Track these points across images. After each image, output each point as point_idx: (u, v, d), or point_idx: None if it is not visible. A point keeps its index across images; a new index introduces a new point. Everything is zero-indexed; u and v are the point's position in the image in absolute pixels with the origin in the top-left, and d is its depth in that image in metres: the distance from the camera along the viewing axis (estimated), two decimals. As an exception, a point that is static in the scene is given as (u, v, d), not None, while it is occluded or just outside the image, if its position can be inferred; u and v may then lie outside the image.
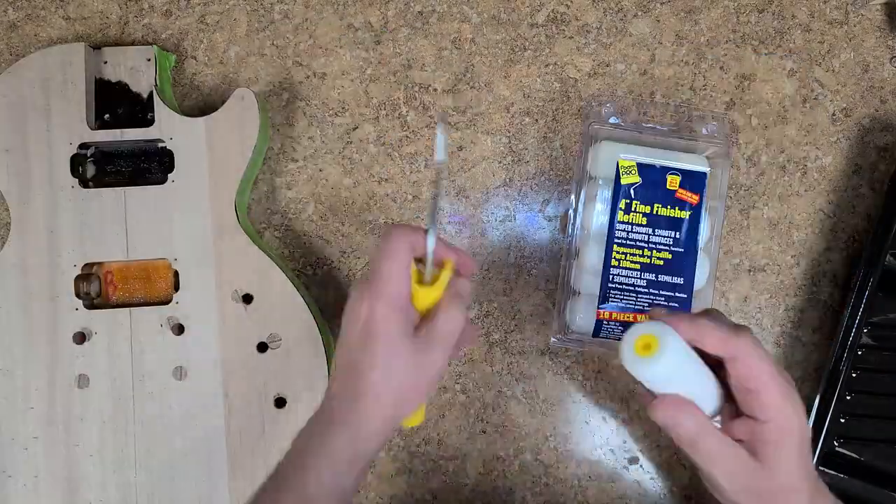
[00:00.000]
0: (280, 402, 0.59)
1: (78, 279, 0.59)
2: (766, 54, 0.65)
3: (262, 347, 0.59)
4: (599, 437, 0.63)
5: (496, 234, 0.64)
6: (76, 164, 0.60)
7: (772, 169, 0.65)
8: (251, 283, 0.59)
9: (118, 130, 0.60)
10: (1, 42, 0.65)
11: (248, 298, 0.59)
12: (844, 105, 0.65)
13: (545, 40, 0.65)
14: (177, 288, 0.59)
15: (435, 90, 0.65)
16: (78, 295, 0.59)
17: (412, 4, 0.65)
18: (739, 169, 0.64)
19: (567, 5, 0.65)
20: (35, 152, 0.59)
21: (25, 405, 0.58)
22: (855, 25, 0.65)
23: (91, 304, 0.60)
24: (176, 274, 0.59)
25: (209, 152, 0.60)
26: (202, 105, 0.65)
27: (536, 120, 0.64)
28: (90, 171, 0.61)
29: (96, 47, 0.61)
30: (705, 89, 0.65)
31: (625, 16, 0.65)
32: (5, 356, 0.58)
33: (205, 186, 0.60)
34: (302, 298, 0.59)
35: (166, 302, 0.59)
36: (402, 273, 0.42)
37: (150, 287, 0.61)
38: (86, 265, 0.59)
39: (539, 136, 0.64)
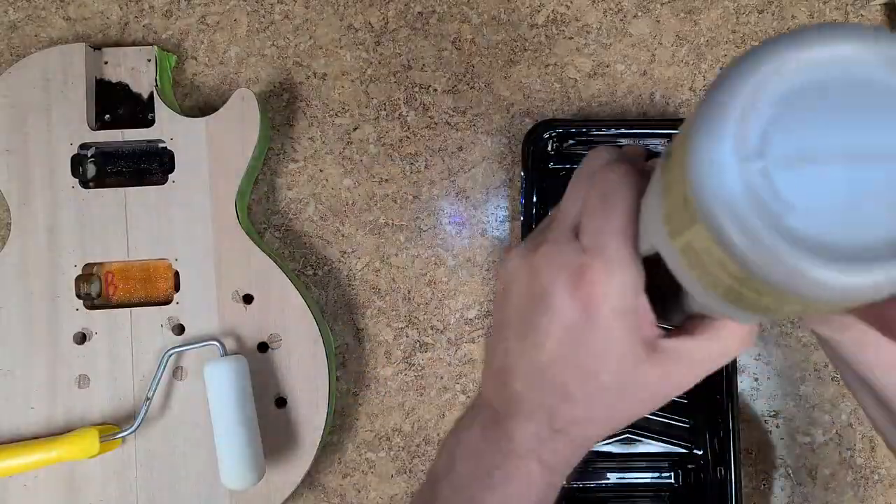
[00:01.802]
0: (280, 402, 0.59)
1: (78, 279, 0.59)
2: (765, 55, 0.65)
3: (263, 347, 0.59)
4: (599, 438, 0.63)
5: (496, 234, 0.64)
6: (77, 164, 0.60)
7: (771, 169, 0.65)
8: (251, 284, 0.59)
9: (119, 131, 0.60)
10: (1, 42, 0.65)
11: (248, 298, 0.59)
12: (844, 105, 0.65)
13: (545, 41, 0.65)
14: (177, 288, 0.59)
15: (435, 90, 0.65)
16: (78, 295, 0.59)
17: (412, 5, 0.65)
18: (739, 169, 0.64)
19: (567, 6, 0.65)
20: (35, 153, 0.59)
21: (26, 405, 0.58)
22: (854, 26, 0.66)
23: (91, 305, 0.60)
24: (176, 274, 0.60)
25: (210, 152, 0.60)
26: (202, 105, 0.65)
27: (536, 120, 0.64)
28: (91, 171, 0.61)
29: (97, 47, 0.61)
30: (705, 90, 0.65)
31: (625, 16, 0.65)
32: (5, 356, 0.58)
33: (205, 186, 0.60)
34: (302, 299, 0.59)
35: (167, 302, 0.60)
36: (632, 239, 0.27)
37: (151, 287, 0.61)
38: (86, 265, 0.59)
39: (539, 136, 0.65)
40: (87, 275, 0.60)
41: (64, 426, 0.58)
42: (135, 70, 0.61)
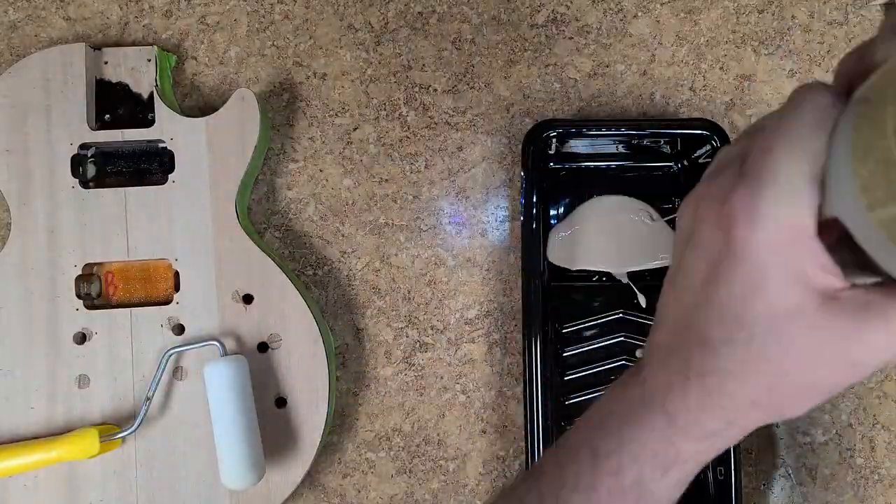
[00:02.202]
0: (280, 402, 0.59)
1: (78, 279, 0.59)
2: (766, 55, 0.65)
3: (263, 347, 0.59)
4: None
5: (496, 235, 0.64)
6: (77, 164, 0.60)
7: (771, 169, 0.65)
8: (251, 283, 0.59)
9: (119, 131, 0.60)
10: (1, 42, 0.65)
11: (248, 298, 0.59)
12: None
13: (545, 41, 0.65)
14: (177, 288, 0.59)
15: (435, 90, 0.65)
16: (78, 295, 0.59)
17: (412, 5, 0.65)
18: (739, 169, 0.64)
19: (567, 6, 0.65)
20: (35, 153, 0.59)
21: (26, 405, 0.58)
22: (855, 26, 0.66)
23: (91, 305, 0.60)
24: (176, 274, 0.60)
25: (210, 152, 0.60)
26: (203, 105, 0.65)
27: (536, 120, 0.64)
28: (90, 171, 0.61)
29: (97, 47, 0.61)
30: (705, 90, 0.65)
31: (625, 16, 0.65)
32: (5, 356, 0.58)
33: (205, 186, 0.60)
34: (302, 299, 0.59)
35: (167, 302, 0.60)
36: (812, 174, 0.23)
37: (151, 287, 0.61)
38: (86, 265, 0.59)
39: (539, 136, 0.65)
40: (87, 275, 0.60)
41: (64, 426, 0.58)
42: (135, 70, 0.61)
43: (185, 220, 0.60)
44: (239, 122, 0.60)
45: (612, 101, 0.65)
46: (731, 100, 0.65)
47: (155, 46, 0.62)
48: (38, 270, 0.59)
